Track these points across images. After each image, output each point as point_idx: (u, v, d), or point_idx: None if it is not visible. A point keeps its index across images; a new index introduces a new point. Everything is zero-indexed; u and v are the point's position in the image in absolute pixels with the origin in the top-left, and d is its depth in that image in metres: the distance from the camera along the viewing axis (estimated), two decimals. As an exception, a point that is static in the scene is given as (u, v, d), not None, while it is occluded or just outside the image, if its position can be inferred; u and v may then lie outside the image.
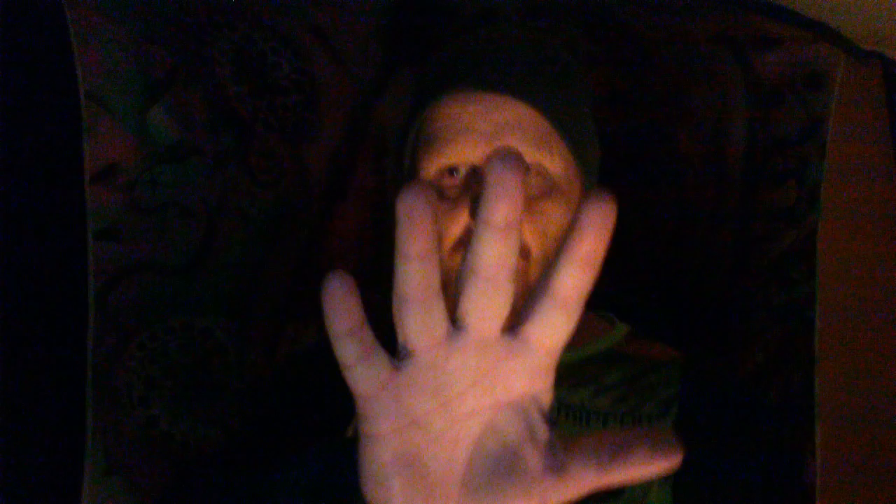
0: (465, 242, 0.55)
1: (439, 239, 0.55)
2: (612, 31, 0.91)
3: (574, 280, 0.29)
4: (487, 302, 0.30)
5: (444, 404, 0.31)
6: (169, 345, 0.82)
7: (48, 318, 0.82)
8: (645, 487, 0.55)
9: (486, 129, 0.57)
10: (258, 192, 0.86)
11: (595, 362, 0.63)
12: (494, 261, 0.29)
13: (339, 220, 0.87)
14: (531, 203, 0.58)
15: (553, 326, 0.31)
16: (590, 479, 0.30)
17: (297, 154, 0.88)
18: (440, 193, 0.59)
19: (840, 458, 0.84)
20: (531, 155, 0.58)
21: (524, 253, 0.57)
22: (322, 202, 0.87)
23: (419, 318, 0.30)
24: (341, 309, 0.29)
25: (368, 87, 0.90)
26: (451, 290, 0.56)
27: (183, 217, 0.84)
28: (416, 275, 0.29)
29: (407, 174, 0.65)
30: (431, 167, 0.60)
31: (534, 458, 0.31)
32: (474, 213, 0.53)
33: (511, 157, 0.27)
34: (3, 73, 0.80)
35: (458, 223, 0.57)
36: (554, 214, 0.59)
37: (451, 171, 0.59)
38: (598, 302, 0.82)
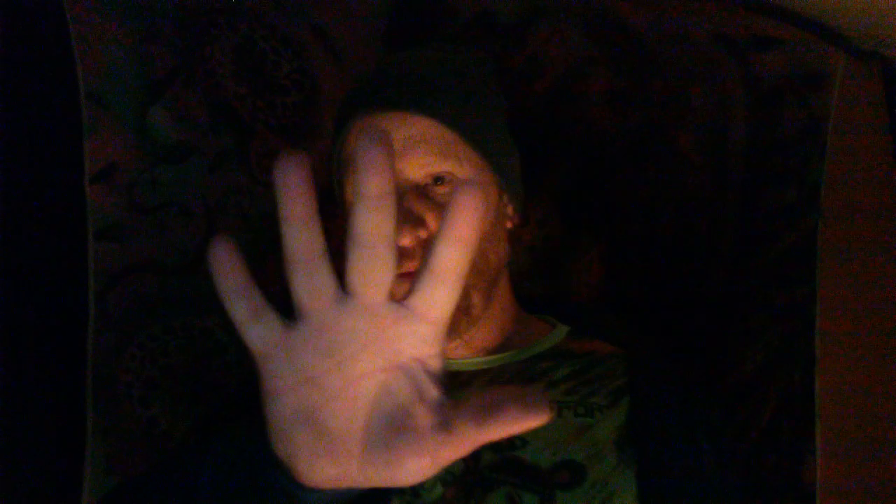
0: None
1: None
2: (612, 31, 0.91)
3: (450, 257, 0.32)
4: (370, 268, 0.33)
5: (338, 364, 0.34)
6: (169, 345, 0.82)
7: (48, 318, 0.82)
8: (606, 474, 0.57)
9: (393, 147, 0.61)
10: (258, 192, 0.86)
11: (543, 359, 0.66)
12: (372, 229, 0.32)
13: (338, 220, 0.88)
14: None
15: (435, 299, 0.34)
16: (472, 434, 0.33)
17: (297, 154, 0.88)
18: None
19: (840, 458, 0.84)
20: (439, 164, 0.62)
21: None
22: (322, 202, 0.87)
23: (306, 280, 0.33)
24: (227, 270, 0.33)
25: (368, 87, 0.90)
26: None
27: (183, 217, 0.84)
28: (299, 237, 0.32)
29: (338, 197, 0.68)
30: (351, 189, 0.63)
31: (424, 417, 0.34)
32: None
33: (376, 135, 0.30)
34: (3, 73, 0.80)
35: None
36: None
37: None
38: (600, 301, 0.82)
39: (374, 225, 0.32)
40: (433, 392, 0.34)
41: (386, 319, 0.34)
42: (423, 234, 0.60)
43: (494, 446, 0.58)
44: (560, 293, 0.90)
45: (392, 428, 0.34)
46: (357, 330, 0.34)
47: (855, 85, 0.91)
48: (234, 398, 0.76)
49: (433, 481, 0.57)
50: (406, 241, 0.59)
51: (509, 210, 0.69)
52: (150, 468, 0.63)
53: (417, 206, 0.60)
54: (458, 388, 0.63)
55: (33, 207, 0.82)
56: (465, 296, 0.61)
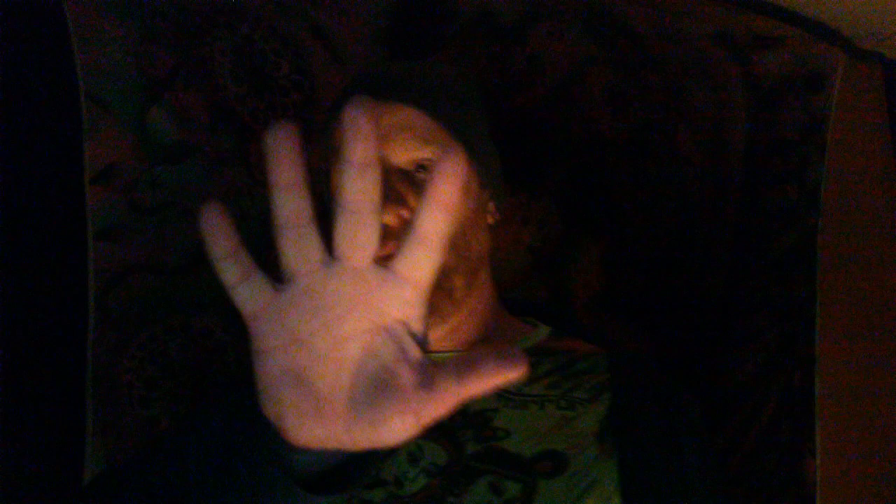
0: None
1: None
2: (612, 31, 0.91)
3: (432, 220, 0.34)
4: (356, 232, 0.34)
5: (324, 326, 0.35)
6: (169, 345, 0.82)
7: (48, 318, 0.82)
8: (587, 464, 0.58)
9: (378, 133, 0.62)
10: (258, 192, 0.86)
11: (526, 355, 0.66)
12: (358, 195, 0.33)
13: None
14: None
15: (417, 261, 0.35)
16: (453, 390, 0.34)
17: (296, 154, 0.88)
18: None
19: (840, 458, 0.84)
20: (422, 150, 0.63)
21: None
22: (322, 202, 0.87)
23: (295, 244, 0.34)
24: (219, 234, 0.34)
25: (368, 87, 0.90)
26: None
27: (182, 217, 0.84)
28: (288, 203, 0.33)
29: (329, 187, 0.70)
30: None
31: (408, 377, 0.35)
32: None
33: (361, 103, 0.32)
34: (3, 73, 0.80)
35: None
36: None
37: None
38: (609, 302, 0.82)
39: (359, 190, 0.33)
40: (416, 352, 0.36)
41: (371, 282, 0.35)
42: (405, 213, 0.61)
43: (478, 436, 0.59)
44: (559, 294, 0.90)
45: (377, 388, 0.35)
46: (343, 292, 0.35)
47: (855, 85, 0.91)
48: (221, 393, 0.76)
49: (416, 472, 0.58)
50: (389, 218, 0.59)
51: (490, 206, 0.70)
52: (140, 450, 0.64)
53: (401, 186, 0.62)
54: None
55: (33, 207, 0.82)
56: (447, 277, 0.63)
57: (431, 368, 0.35)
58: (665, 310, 0.89)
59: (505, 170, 0.73)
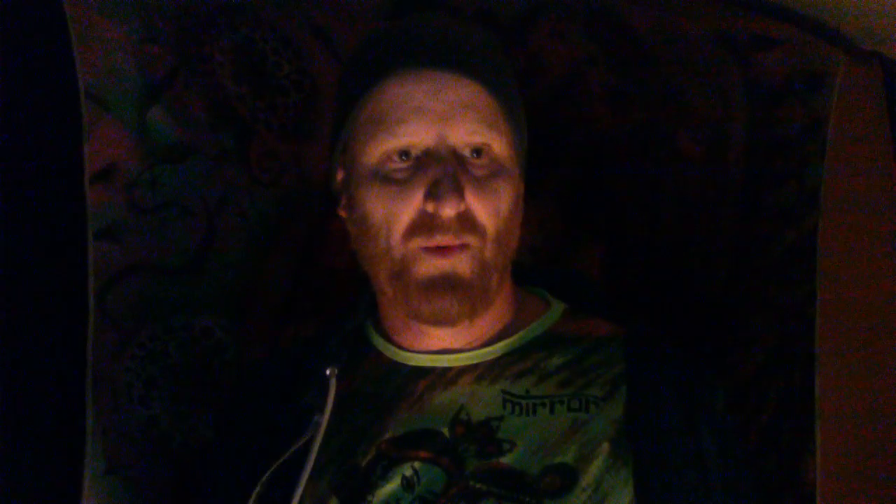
0: (419, 226, 0.55)
1: (391, 224, 0.56)
2: (612, 31, 0.91)
3: None
4: None
5: None
6: (169, 345, 0.82)
7: (48, 318, 0.82)
8: (599, 475, 0.55)
9: (439, 109, 0.56)
10: (258, 192, 0.86)
11: (535, 347, 0.62)
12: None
13: (338, 220, 0.88)
14: (483, 183, 0.58)
15: None
16: None
17: (297, 153, 0.88)
18: (387, 177, 0.57)
19: (840, 458, 0.84)
20: (483, 134, 0.58)
21: (480, 232, 0.57)
22: (322, 201, 0.87)
23: None
24: None
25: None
26: (407, 276, 0.58)
27: (183, 217, 0.84)
28: None
29: (341, 162, 0.63)
30: (377, 150, 0.58)
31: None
32: (432, 196, 0.54)
33: None
34: (3, 73, 0.80)
35: (410, 207, 0.56)
36: (504, 193, 0.58)
37: (403, 153, 0.57)
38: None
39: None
40: None
41: None
42: (462, 207, 0.56)
43: (481, 451, 0.56)
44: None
45: None
46: None
47: (855, 85, 0.91)
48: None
49: (410, 500, 0.54)
50: (450, 211, 0.55)
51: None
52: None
53: (462, 177, 0.56)
54: (445, 386, 0.60)
55: (33, 207, 0.82)
56: (487, 275, 0.58)
57: None
58: (665, 309, 0.89)
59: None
